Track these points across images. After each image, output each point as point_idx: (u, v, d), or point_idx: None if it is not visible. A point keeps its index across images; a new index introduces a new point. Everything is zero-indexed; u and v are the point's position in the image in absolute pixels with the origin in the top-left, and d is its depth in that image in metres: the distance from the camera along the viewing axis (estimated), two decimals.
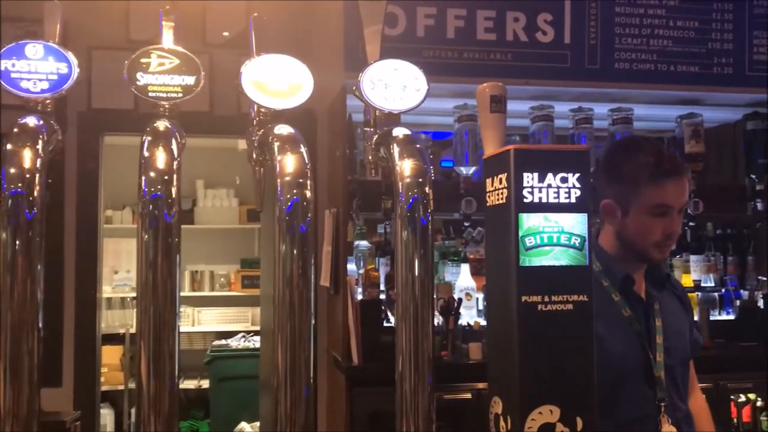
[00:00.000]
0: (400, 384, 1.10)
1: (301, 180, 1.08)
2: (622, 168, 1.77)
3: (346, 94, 2.93)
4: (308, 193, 1.08)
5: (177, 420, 1.07)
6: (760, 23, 3.25)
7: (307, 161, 1.10)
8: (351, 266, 3.16)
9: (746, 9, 3.23)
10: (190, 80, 1.21)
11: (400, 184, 1.12)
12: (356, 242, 3.25)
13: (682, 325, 1.89)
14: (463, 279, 3.31)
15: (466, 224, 3.33)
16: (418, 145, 1.16)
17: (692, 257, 3.53)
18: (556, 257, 1.17)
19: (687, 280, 3.51)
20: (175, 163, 1.10)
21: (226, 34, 3.88)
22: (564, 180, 1.18)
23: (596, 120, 3.35)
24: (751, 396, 3.30)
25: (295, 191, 1.07)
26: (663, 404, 1.73)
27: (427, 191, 1.13)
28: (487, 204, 1.26)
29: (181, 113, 1.24)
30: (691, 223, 3.36)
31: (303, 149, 1.11)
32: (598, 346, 1.71)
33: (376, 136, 1.24)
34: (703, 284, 3.52)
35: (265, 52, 1.30)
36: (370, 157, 1.32)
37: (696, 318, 3.37)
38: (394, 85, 1.25)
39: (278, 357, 1.07)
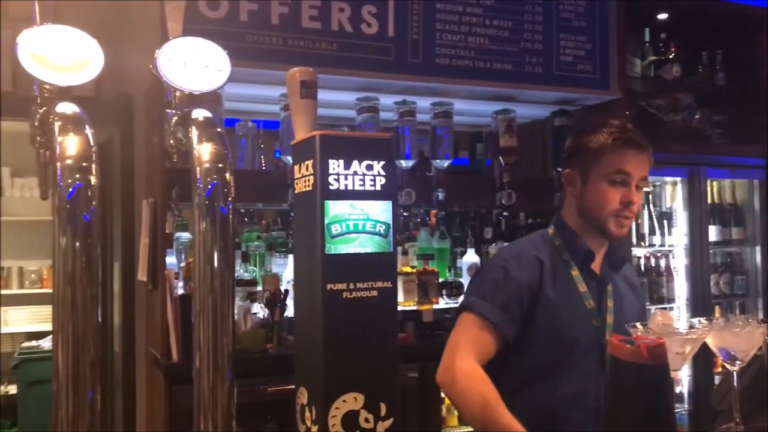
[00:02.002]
0: (198, 380, 1.05)
1: (84, 164, 0.99)
2: (587, 137, 1.81)
3: None
4: (93, 179, 0.99)
5: None
6: (567, 26, 3.49)
7: (92, 143, 1.01)
8: (171, 259, 3.01)
9: (554, 12, 3.46)
10: None
11: (198, 169, 1.06)
12: (177, 234, 3.10)
13: (632, 314, 1.89)
14: (290, 270, 3.27)
15: (293, 214, 3.29)
16: (218, 129, 1.11)
17: (505, 245, 3.73)
18: (362, 244, 1.17)
19: None
20: None
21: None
22: (369, 167, 1.17)
23: (420, 114, 3.44)
24: None
25: (77, 176, 0.98)
26: None
27: (227, 177, 1.08)
28: (295, 191, 1.24)
29: None
30: (505, 213, 3.56)
31: (88, 130, 1.02)
32: (551, 315, 1.76)
33: (176, 118, 1.17)
34: None
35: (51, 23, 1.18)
36: (171, 141, 1.24)
37: None
38: (195, 65, 1.18)
39: (58, 359, 0.98)
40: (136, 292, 3.30)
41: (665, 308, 3.75)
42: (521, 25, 3.38)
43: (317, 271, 1.14)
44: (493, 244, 3.73)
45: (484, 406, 1.50)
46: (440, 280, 3.44)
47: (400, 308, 3.27)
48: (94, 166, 1.00)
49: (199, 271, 1.05)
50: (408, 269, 3.35)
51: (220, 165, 1.06)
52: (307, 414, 1.15)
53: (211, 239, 1.04)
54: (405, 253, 3.39)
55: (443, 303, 3.43)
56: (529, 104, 3.63)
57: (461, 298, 3.42)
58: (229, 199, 1.07)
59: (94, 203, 0.99)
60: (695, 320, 1.64)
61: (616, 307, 1.83)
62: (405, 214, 3.46)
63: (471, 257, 3.57)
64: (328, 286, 1.13)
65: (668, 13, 4.01)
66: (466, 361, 1.59)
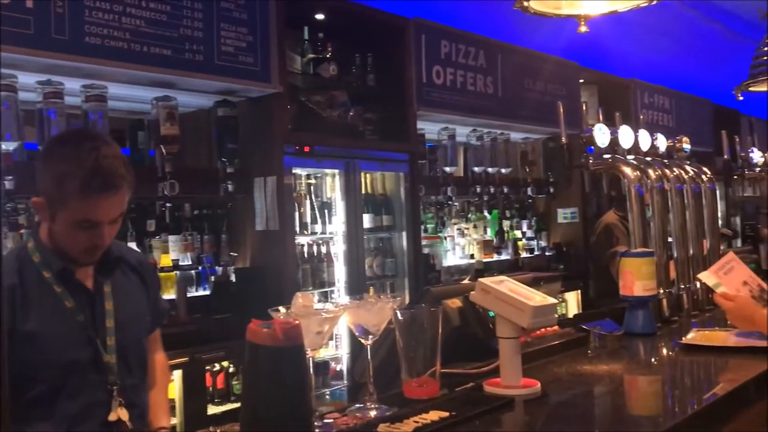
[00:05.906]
0: None
1: None
2: (57, 172, 1.63)
3: None
4: None
5: None
6: (227, 17, 3.48)
7: None
8: None
9: (214, 0, 3.42)
10: None
11: None
12: None
13: (139, 302, 1.87)
14: None
15: None
16: None
17: (171, 237, 3.62)
18: None
19: (166, 260, 3.58)
20: None
21: None
22: None
23: (71, 96, 3.15)
24: (225, 364, 3.57)
25: None
26: (115, 387, 1.71)
27: None
28: None
29: None
30: (168, 204, 3.43)
31: None
32: (34, 345, 1.62)
33: None
34: (181, 263, 3.64)
35: None
36: None
37: (174, 296, 3.48)
38: None
39: None
40: None
41: (326, 291, 3.99)
42: (180, 10, 3.28)
43: None
44: (157, 237, 3.59)
45: None
46: None
47: None
48: None
49: None
50: None
51: None
52: None
53: None
54: None
55: None
56: (191, 92, 3.56)
57: None
58: None
59: None
60: (336, 301, 1.75)
61: (117, 306, 1.77)
62: None
63: None
64: None
65: (324, 13, 4.24)
66: None
